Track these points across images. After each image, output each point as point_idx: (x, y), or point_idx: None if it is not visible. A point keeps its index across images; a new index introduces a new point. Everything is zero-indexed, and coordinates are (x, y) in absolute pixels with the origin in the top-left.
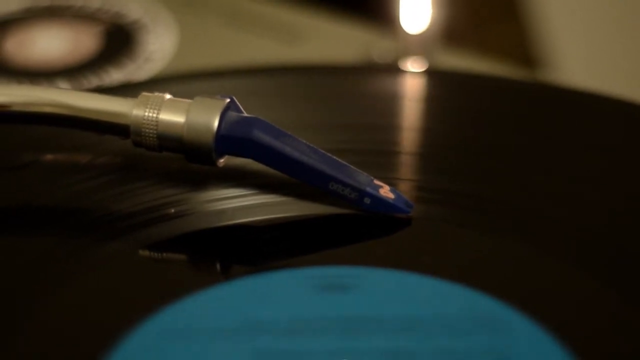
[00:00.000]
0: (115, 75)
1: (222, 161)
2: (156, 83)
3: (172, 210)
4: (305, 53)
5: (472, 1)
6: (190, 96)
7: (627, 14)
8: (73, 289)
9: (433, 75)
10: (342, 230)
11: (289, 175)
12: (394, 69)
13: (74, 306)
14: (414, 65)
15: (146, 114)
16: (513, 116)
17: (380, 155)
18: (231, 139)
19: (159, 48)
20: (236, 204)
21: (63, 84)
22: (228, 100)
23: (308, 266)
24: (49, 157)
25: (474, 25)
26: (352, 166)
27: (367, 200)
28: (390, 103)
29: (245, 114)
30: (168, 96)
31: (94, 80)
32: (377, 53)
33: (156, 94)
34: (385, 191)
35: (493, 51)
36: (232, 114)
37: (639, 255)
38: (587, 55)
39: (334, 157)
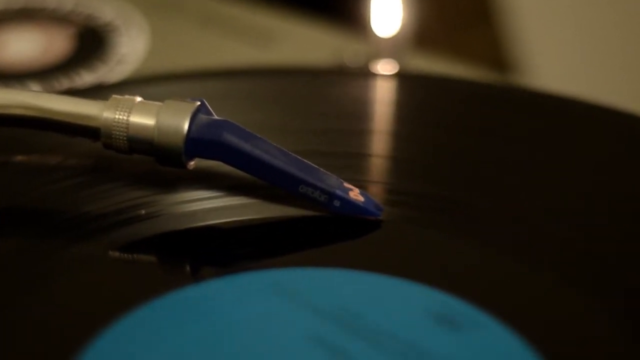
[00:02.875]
0: (86, 78)
1: (192, 164)
2: (127, 85)
3: (143, 212)
4: (277, 56)
5: (445, 5)
6: (161, 99)
7: (599, 18)
8: (42, 291)
9: (404, 78)
10: (312, 232)
11: (259, 178)
12: (365, 72)
13: (44, 308)
14: (384, 69)
15: (116, 116)
16: (484, 120)
17: (351, 157)
18: (201, 141)
19: (131, 50)
20: (206, 205)
21: (34, 86)
22: (198, 103)
23: (277, 268)
24: (19, 158)
25: (447, 29)
26: (322, 169)
27: (336, 203)
28: (361, 106)
29: (216, 117)
30: (138, 99)
31: (66, 82)
32: (349, 56)
33: (126, 96)
34: (355, 194)
35: (465, 55)
36: (202, 117)
37: (609, 257)
38: (559, 59)
39: (304, 160)
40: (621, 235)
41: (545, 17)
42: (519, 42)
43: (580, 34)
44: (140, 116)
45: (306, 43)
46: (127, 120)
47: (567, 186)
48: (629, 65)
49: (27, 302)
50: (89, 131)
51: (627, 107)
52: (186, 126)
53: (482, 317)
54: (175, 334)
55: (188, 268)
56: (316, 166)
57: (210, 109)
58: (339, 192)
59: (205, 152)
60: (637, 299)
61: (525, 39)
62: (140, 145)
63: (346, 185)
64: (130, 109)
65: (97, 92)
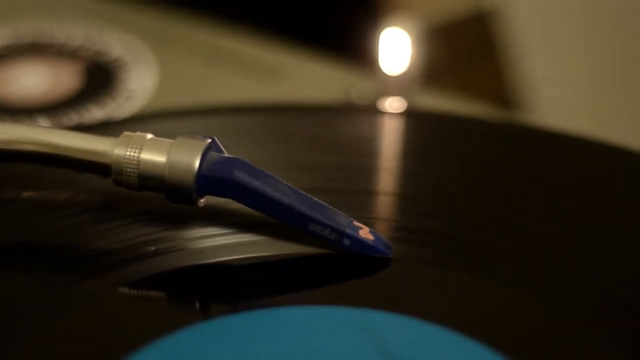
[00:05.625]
0: (95, 113)
1: (202, 201)
2: (136, 121)
3: (152, 249)
4: (285, 92)
5: (452, 43)
6: (171, 135)
7: (603, 56)
8: (50, 327)
9: (412, 116)
10: (322, 270)
11: (269, 216)
12: (372, 110)
13: (52, 345)
14: (392, 106)
15: (128, 153)
16: (491, 157)
17: (359, 195)
18: (212, 179)
19: (139, 86)
20: (216, 242)
21: (44, 121)
22: (209, 140)
23: (286, 306)
24: (28, 194)
25: (453, 67)
26: (331, 207)
27: (346, 242)
28: (369, 144)
29: (226, 155)
30: (150, 136)
31: (75, 118)
32: (356, 93)
33: (138, 133)
34: (365, 232)
35: (472, 92)
36: (213, 154)
37: (619, 294)
38: (564, 97)
39: (314, 198)
40: (634, 272)
41: (549, 55)
42: (524, 79)
43: (584, 71)
44: (151, 153)
45: (314, 80)
46: (138, 157)
47: (572, 222)
48: (633, 102)
49: (35, 339)
50: (99, 168)
51: (632, 144)
52: (197, 164)
53: (491, 356)
54: None
55: (197, 305)
56: (326, 204)
57: (221, 146)
58: (348, 230)
59: (216, 190)
60: None
61: (530, 76)
62: (151, 182)
63: (356, 223)
64: (142, 145)
65: (106, 127)
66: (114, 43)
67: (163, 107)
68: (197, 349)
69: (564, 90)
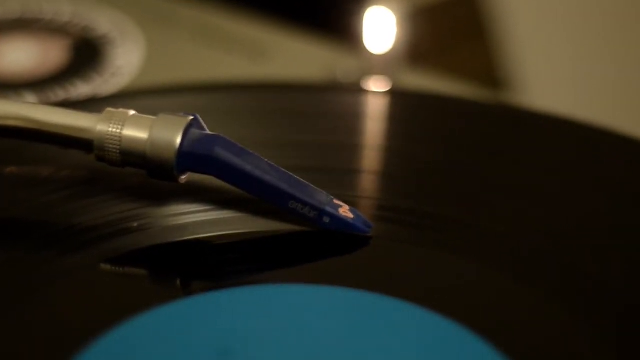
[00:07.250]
0: (82, 89)
1: (183, 178)
2: (122, 98)
3: (135, 225)
4: (270, 70)
5: (438, 22)
6: (155, 112)
7: (592, 37)
8: (32, 302)
9: (396, 95)
10: (301, 248)
11: (250, 193)
12: (357, 88)
13: (33, 319)
14: (377, 85)
15: (110, 129)
16: (475, 137)
17: (341, 173)
18: (193, 156)
19: (126, 63)
20: (197, 219)
21: (30, 97)
22: (191, 117)
23: (265, 283)
24: (11, 169)
25: (439, 46)
26: (312, 185)
27: (326, 220)
28: (352, 122)
29: (208, 132)
30: (132, 112)
31: (61, 94)
32: (341, 72)
33: (120, 110)
34: (345, 211)
35: (458, 72)
36: (195, 132)
37: (602, 278)
38: (552, 78)
39: (295, 176)
40: (614, 254)
41: (538, 35)
42: (511, 59)
43: (573, 51)
44: (133, 130)
45: (299, 58)
46: (120, 133)
47: (555, 203)
48: (622, 84)
49: (16, 313)
50: (82, 143)
51: (620, 126)
52: (178, 140)
53: (469, 336)
54: (163, 347)
55: (178, 281)
56: (306, 182)
57: (203, 123)
58: (328, 208)
59: (197, 167)
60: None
61: (517, 56)
62: (133, 159)
63: (336, 201)
64: (124, 122)
65: (92, 104)
66: (101, 19)
67: (149, 83)
68: (177, 325)
69: (551, 70)
